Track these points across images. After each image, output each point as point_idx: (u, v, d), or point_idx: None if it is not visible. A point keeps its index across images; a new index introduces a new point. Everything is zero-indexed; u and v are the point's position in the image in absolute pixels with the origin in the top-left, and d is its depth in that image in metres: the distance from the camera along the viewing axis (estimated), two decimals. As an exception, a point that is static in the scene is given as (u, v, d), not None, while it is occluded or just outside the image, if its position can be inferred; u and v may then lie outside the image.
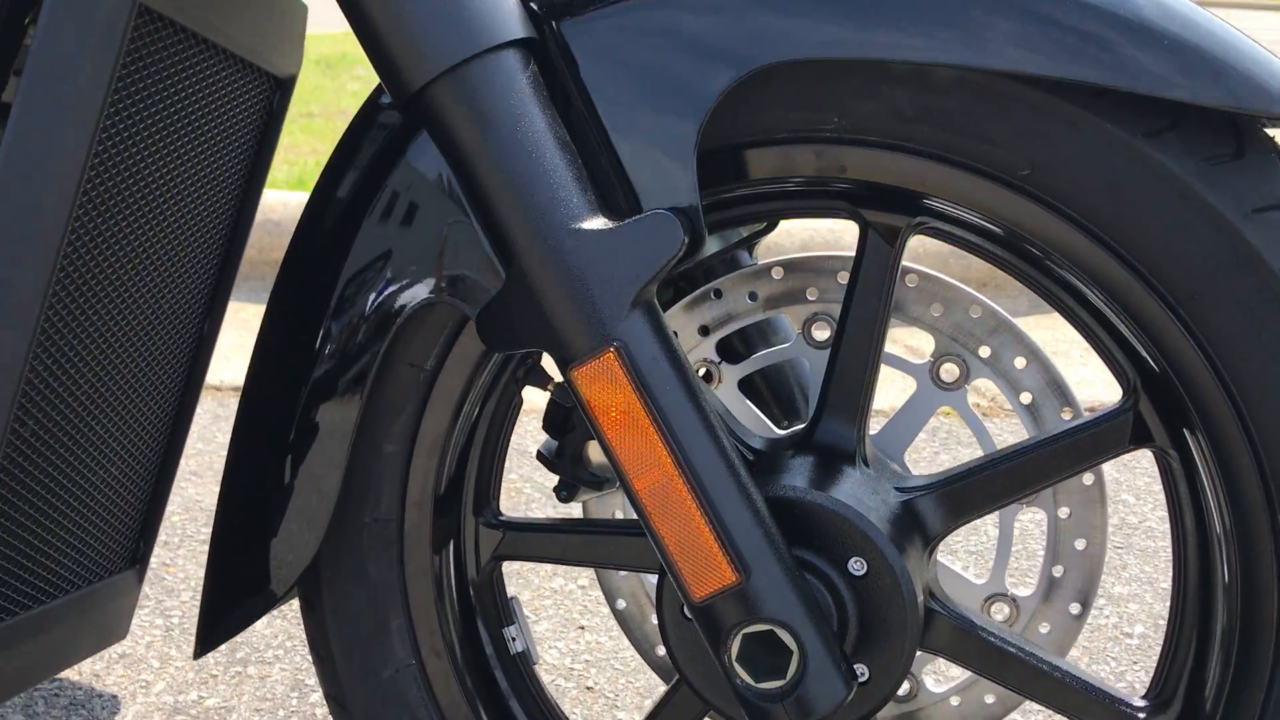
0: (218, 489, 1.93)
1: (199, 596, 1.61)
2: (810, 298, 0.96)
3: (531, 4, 0.77)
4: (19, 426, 0.83)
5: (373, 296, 0.83)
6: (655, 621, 0.99)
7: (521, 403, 0.96)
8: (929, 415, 0.96)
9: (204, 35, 0.89)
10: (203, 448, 2.07)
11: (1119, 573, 1.74)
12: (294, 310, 0.88)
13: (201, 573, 1.68)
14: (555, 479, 1.01)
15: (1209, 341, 0.75)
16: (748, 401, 1.00)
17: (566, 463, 1.01)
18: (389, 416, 0.89)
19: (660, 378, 0.71)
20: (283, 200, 2.94)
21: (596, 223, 0.71)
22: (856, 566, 0.77)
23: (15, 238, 0.77)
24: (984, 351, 0.93)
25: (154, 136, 0.88)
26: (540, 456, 1.03)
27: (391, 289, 0.82)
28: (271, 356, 0.90)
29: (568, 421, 1.00)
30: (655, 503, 0.70)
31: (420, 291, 0.80)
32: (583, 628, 1.55)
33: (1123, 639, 1.57)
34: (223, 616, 0.93)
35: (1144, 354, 0.79)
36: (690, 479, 0.70)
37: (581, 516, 1.04)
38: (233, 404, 2.27)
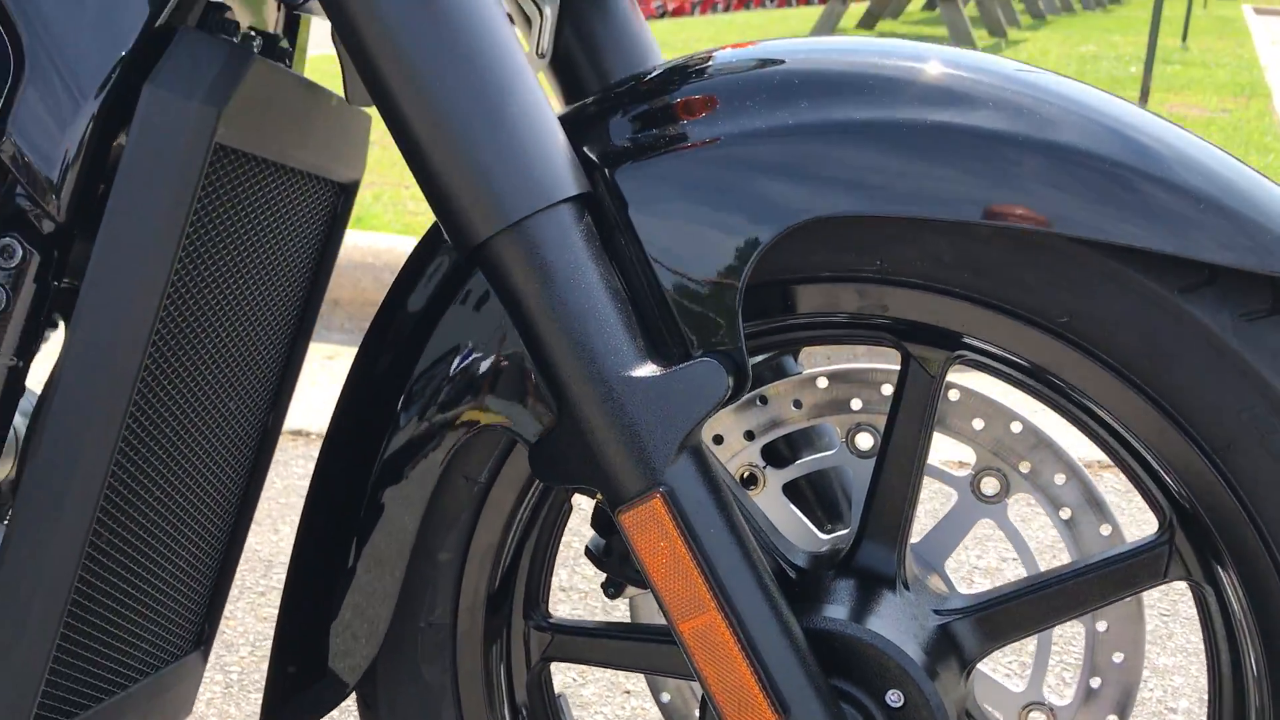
0: (274, 536, 1.97)
1: (257, 651, 1.66)
2: (854, 407, 0.99)
3: (585, 149, 0.81)
4: (96, 537, 0.88)
5: (432, 418, 0.87)
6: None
7: (571, 509, 1.00)
8: (970, 527, 0.98)
9: (274, 160, 0.93)
10: (261, 493, 2.12)
11: (1164, 642, 1.74)
12: (362, 415, 0.93)
13: (260, 625, 1.74)
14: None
15: (1244, 488, 0.76)
16: (791, 506, 1.02)
17: (614, 561, 1.04)
18: (444, 526, 0.92)
19: (706, 522, 0.74)
20: (340, 239, 3.00)
21: (645, 370, 0.74)
22: (894, 698, 0.80)
23: (101, 355, 0.82)
24: (1024, 467, 0.95)
25: (227, 253, 0.92)
26: (588, 553, 1.06)
27: (450, 412, 0.86)
28: (338, 460, 0.94)
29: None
30: (699, 645, 0.73)
31: (477, 417, 0.84)
32: (629, 692, 1.58)
33: (1167, 714, 1.57)
34: (289, 699, 0.97)
35: (1178, 494, 0.81)
36: (733, 625, 0.73)
37: (628, 613, 1.07)
38: (289, 448, 2.32)
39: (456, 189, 0.75)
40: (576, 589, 1.85)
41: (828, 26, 10.40)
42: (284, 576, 1.84)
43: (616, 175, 0.79)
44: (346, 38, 0.77)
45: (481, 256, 0.76)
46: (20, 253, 0.82)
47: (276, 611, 1.75)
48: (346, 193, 1.10)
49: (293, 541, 0.99)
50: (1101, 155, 0.74)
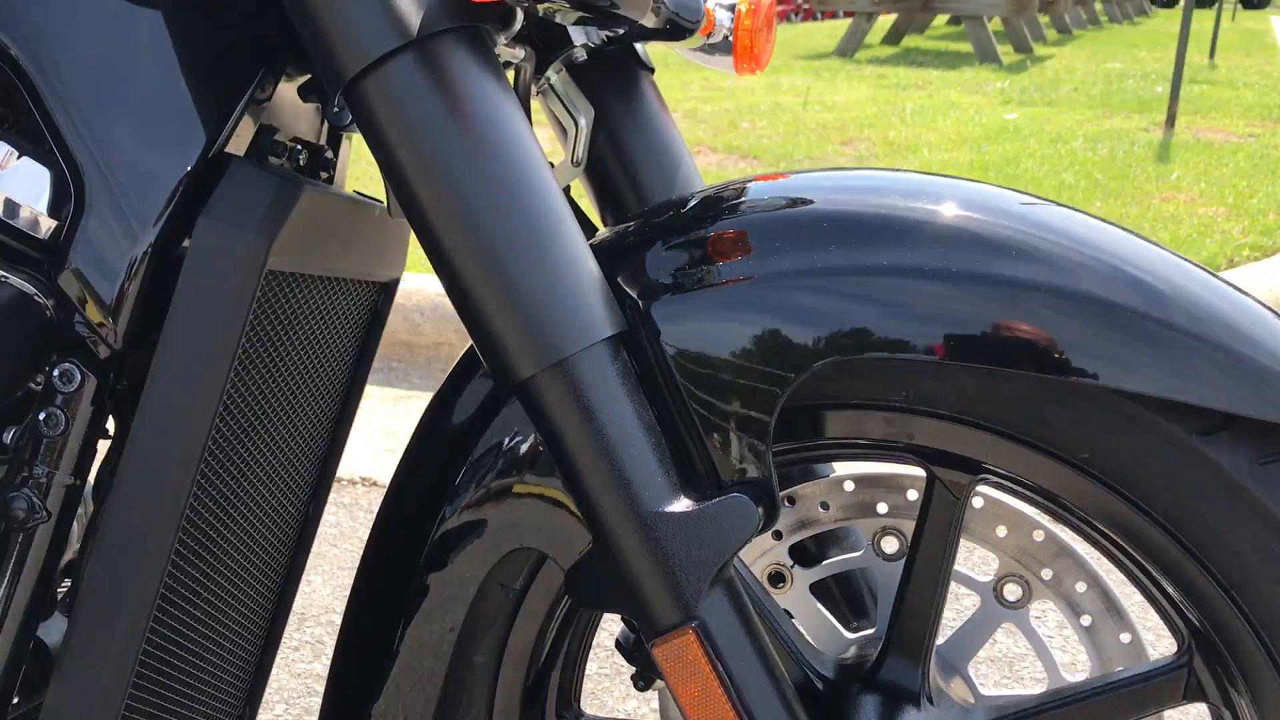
0: (305, 587, 2.00)
1: (293, 708, 1.70)
2: (880, 511, 1.01)
3: (620, 280, 0.83)
4: (151, 632, 0.91)
5: (471, 531, 0.90)
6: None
7: (603, 612, 1.02)
8: (992, 631, 1.00)
9: (321, 275, 0.96)
10: (294, 541, 2.16)
11: (1186, 709, 1.75)
12: (402, 528, 0.96)
13: (294, 682, 1.77)
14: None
15: (1259, 622, 0.79)
16: (818, 605, 1.05)
17: (644, 655, 1.07)
18: (480, 631, 0.95)
19: (737, 656, 0.76)
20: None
21: (678, 505, 0.77)
22: (917, 820, 0.82)
23: (156, 475, 0.85)
24: (1046, 574, 0.97)
25: (275, 360, 0.95)
26: (619, 646, 1.09)
27: (488, 528, 0.89)
28: (391, 540, 0.98)
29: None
30: (730, 774, 0.76)
31: (514, 537, 0.87)
32: (655, 755, 1.61)
33: (1188, 783, 1.59)
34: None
35: (1194, 620, 0.83)
36: (762, 757, 0.76)
37: (658, 706, 1.10)
38: (322, 491, 2.36)
39: (499, 327, 0.78)
40: (603, 645, 1.88)
41: (853, 42, 10.42)
42: (316, 631, 1.88)
43: (652, 309, 0.82)
44: (392, 178, 0.80)
45: (521, 391, 0.79)
46: (79, 377, 0.85)
47: (309, 667, 1.79)
48: (387, 290, 1.14)
49: (343, 611, 1.02)
50: (1116, 303, 0.76)
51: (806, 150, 5.39)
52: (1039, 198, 0.87)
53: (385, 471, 2.42)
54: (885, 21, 11.37)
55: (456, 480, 0.92)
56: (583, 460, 0.78)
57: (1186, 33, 6.10)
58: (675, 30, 0.98)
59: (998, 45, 10.06)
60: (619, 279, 0.83)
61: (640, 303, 0.82)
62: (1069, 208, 0.86)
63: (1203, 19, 12.06)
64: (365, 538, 2.25)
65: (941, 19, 13.14)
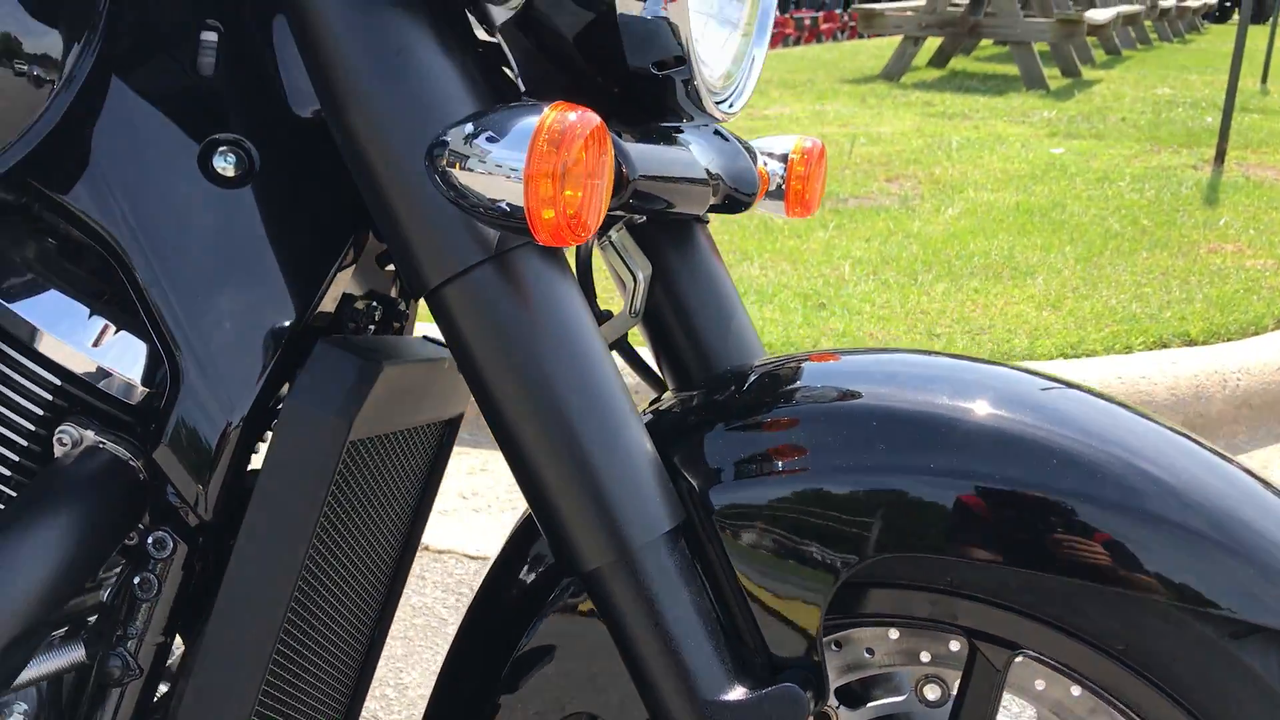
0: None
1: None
2: (923, 660, 1.05)
3: (677, 460, 0.88)
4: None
5: (540, 671, 0.95)
6: None
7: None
8: (1030, 780, 1.04)
9: (396, 431, 1.02)
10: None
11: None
12: (485, 638, 1.01)
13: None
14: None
15: (1290, 817, 0.82)
16: (861, 745, 1.09)
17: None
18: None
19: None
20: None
21: (733, 693, 0.82)
22: None
23: (243, 630, 0.91)
24: (1083, 728, 1.01)
25: (351, 513, 1.01)
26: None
27: (553, 681, 0.94)
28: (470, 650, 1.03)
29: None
30: None
31: (578, 697, 0.92)
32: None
33: None
34: None
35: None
36: None
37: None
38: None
39: (567, 520, 0.83)
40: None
41: (900, 65, 10.42)
42: (370, 706, 1.93)
43: (709, 495, 0.86)
44: (470, 375, 0.85)
45: (587, 580, 0.84)
46: (171, 545, 0.91)
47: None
48: (452, 425, 1.19)
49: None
50: (1146, 510, 0.80)
51: (852, 188, 5.41)
52: (1063, 383, 0.90)
53: (432, 534, 2.48)
54: (933, 43, 11.35)
55: (531, 619, 0.96)
56: (643, 646, 0.83)
57: (1239, 65, 6.04)
58: (733, 204, 1.03)
59: (1045, 68, 10.01)
60: (677, 460, 0.88)
61: (697, 488, 0.87)
62: (1092, 393, 0.89)
63: (1256, 36, 11.91)
64: (415, 605, 2.30)
65: (989, 39, 13.08)
